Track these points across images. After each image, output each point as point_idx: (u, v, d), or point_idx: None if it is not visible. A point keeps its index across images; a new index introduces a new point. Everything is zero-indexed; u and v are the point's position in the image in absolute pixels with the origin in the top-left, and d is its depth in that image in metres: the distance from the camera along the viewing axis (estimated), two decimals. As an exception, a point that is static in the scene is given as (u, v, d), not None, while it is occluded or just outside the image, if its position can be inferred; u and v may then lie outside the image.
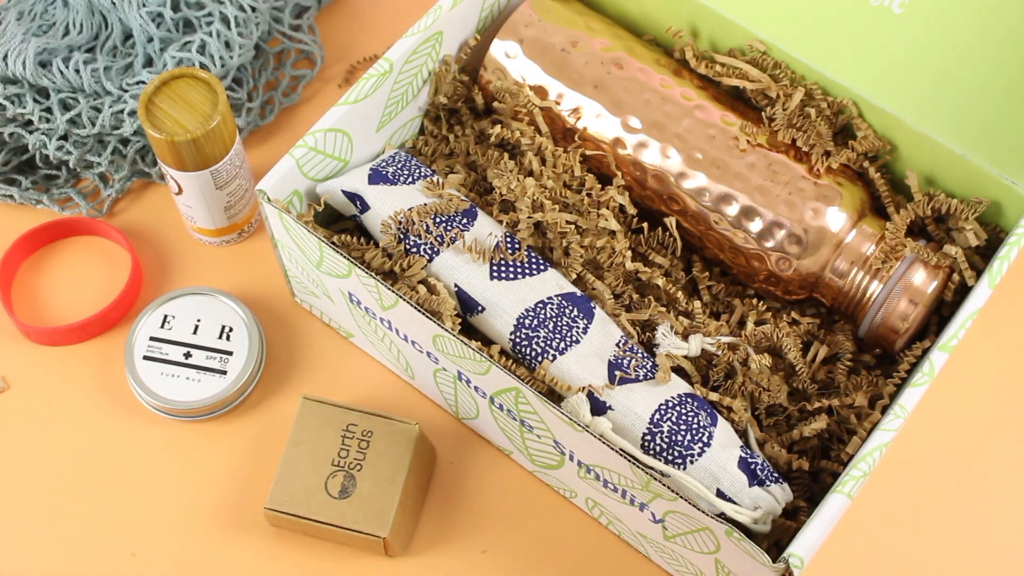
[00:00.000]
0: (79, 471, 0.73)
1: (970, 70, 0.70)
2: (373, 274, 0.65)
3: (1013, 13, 0.69)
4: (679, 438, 0.63)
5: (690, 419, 0.63)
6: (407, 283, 0.68)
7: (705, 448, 0.63)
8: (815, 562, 0.70)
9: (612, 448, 0.60)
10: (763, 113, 0.73)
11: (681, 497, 0.59)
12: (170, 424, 0.74)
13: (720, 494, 0.62)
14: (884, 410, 0.66)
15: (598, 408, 0.64)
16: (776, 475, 0.63)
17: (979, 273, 0.69)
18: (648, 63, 0.74)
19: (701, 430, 0.63)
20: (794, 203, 0.69)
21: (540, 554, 0.71)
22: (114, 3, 0.80)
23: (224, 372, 0.74)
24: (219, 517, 0.72)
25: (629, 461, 0.59)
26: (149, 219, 0.82)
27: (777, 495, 0.62)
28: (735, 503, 0.62)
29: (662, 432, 0.63)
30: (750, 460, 0.63)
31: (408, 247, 0.69)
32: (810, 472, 0.67)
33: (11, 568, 0.70)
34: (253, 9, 0.82)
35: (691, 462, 0.63)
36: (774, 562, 0.57)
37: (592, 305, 0.68)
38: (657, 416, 0.63)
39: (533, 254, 0.69)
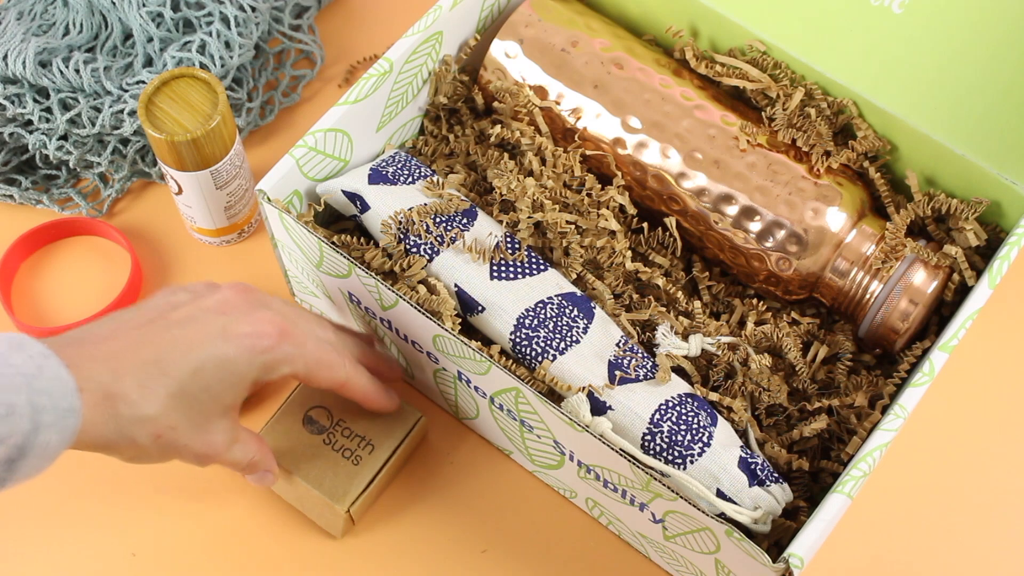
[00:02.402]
0: (79, 471, 0.73)
1: (970, 70, 0.70)
2: (373, 274, 0.65)
3: (1013, 13, 0.69)
4: (679, 438, 0.63)
5: (690, 419, 0.63)
6: (407, 283, 0.68)
7: (705, 448, 0.63)
8: (815, 562, 0.70)
9: (612, 448, 0.60)
10: (763, 113, 0.73)
11: (681, 497, 0.59)
12: (170, 424, 0.74)
13: (720, 494, 0.62)
14: (884, 410, 0.66)
15: (598, 408, 0.64)
16: (776, 475, 0.63)
17: (979, 273, 0.69)
18: (648, 63, 0.74)
19: (701, 430, 0.63)
20: (794, 203, 0.69)
21: (540, 554, 0.71)
22: (114, 3, 0.80)
23: (224, 372, 0.73)
24: (219, 517, 0.72)
25: (629, 461, 0.59)
26: (149, 219, 0.82)
27: (777, 495, 0.62)
28: (735, 503, 0.62)
29: (662, 432, 0.63)
30: (750, 460, 0.63)
31: (408, 247, 0.69)
32: (810, 472, 0.67)
33: (11, 568, 0.70)
34: (253, 9, 0.82)
35: (691, 462, 0.63)
36: (774, 562, 0.57)
37: (592, 305, 0.68)
38: (657, 416, 0.63)
39: (533, 254, 0.69)
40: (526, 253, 0.69)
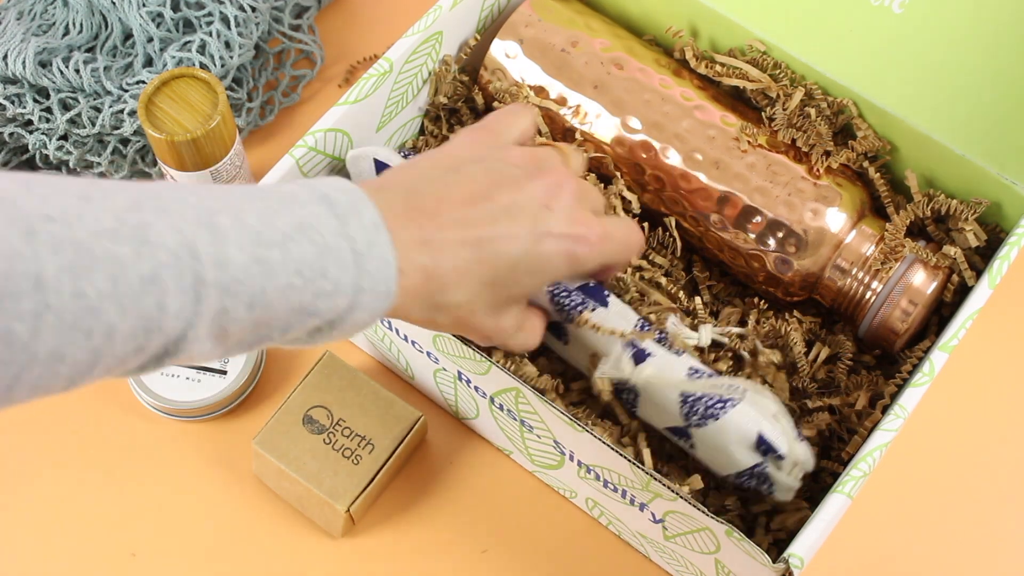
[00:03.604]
0: (79, 471, 0.73)
1: (970, 70, 0.70)
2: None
3: (1013, 13, 0.69)
4: (718, 390, 0.61)
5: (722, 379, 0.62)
6: None
7: (743, 398, 0.61)
8: (815, 562, 0.70)
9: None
10: (763, 113, 0.73)
11: (681, 498, 0.58)
12: (170, 424, 0.74)
13: (761, 440, 0.60)
14: (884, 410, 0.66)
15: (638, 358, 0.62)
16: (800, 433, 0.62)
17: (979, 273, 0.69)
18: (648, 63, 0.74)
19: (735, 387, 0.61)
20: (794, 204, 0.69)
21: (540, 554, 0.71)
22: (114, 3, 0.80)
23: (224, 372, 0.74)
24: (219, 517, 0.72)
25: (629, 461, 0.59)
26: (149, 219, 0.82)
27: (808, 453, 0.61)
28: (776, 448, 0.60)
29: (700, 384, 0.61)
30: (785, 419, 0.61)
31: None
32: (810, 472, 0.67)
33: (12, 568, 0.70)
34: (253, 9, 0.82)
35: (732, 407, 0.61)
36: (774, 562, 0.57)
37: (606, 294, 0.66)
38: (693, 372, 0.62)
39: None
40: None
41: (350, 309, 0.48)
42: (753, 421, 0.61)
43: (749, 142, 0.70)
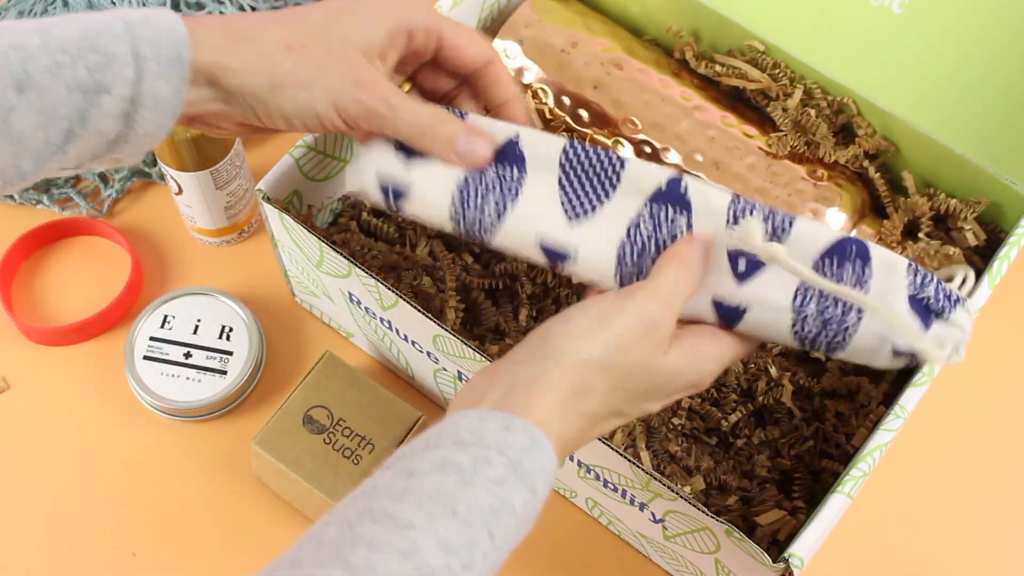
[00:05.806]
0: (79, 471, 0.73)
1: (970, 70, 0.70)
2: (373, 274, 0.65)
3: (1013, 14, 0.69)
4: (829, 314, 0.52)
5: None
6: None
7: (861, 314, 0.52)
8: (815, 562, 0.70)
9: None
10: (767, 112, 0.73)
11: (681, 497, 0.58)
12: (170, 424, 0.74)
13: (896, 352, 0.52)
14: (884, 409, 0.66)
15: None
16: (950, 292, 0.52)
17: (979, 273, 0.69)
18: (648, 63, 0.74)
19: (849, 311, 0.52)
20: (793, 204, 0.69)
21: (540, 554, 0.71)
22: (114, 3, 0.80)
23: (224, 372, 0.74)
24: (219, 517, 0.72)
25: (629, 461, 0.59)
26: (149, 219, 0.82)
27: (962, 321, 0.52)
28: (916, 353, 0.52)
29: (808, 316, 0.52)
30: (919, 295, 0.52)
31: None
32: (810, 472, 0.67)
33: (12, 568, 0.70)
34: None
35: (851, 336, 0.52)
36: (774, 562, 0.57)
37: (683, 190, 0.53)
38: (799, 300, 0.52)
39: (605, 155, 0.55)
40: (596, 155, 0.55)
41: (138, 79, 0.48)
42: (878, 340, 0.52)
43: (769, 153, 0.70)
